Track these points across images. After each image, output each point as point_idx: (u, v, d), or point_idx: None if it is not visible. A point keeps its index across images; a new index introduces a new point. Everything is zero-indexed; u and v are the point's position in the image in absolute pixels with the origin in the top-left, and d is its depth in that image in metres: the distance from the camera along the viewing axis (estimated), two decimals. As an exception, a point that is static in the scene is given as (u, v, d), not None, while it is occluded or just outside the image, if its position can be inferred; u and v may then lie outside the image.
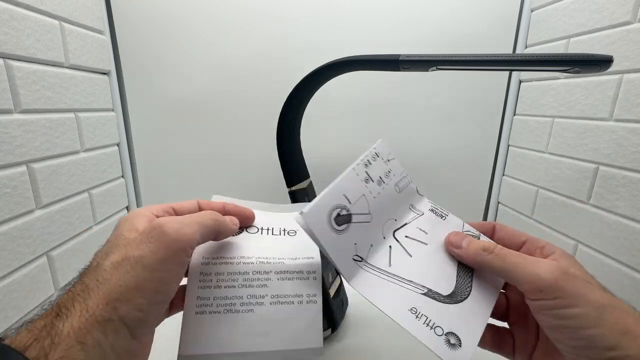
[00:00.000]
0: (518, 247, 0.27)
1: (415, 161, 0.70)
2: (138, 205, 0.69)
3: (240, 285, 0.26)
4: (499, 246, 0.25)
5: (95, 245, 0.56)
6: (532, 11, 0.62)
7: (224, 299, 0.26)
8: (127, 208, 0.66)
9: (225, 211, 0.29)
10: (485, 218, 0.74)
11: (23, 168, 0.42)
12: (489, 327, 0.28)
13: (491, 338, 0.29)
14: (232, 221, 0.28)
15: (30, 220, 0.43)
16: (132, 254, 0.21)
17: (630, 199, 0.44)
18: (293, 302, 0.27)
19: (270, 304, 0.26)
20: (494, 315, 0.27)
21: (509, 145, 0.68)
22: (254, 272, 0.27)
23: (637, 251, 0.43)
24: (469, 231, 0.31)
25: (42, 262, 0.45)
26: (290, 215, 0.33)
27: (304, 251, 0.29)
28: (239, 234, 0.30)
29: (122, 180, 0.64)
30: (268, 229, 0.31)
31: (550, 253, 0.25)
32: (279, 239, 0.30)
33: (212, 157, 0.67)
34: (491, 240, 0.28)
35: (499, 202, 0.71)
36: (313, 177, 0.49)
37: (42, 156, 0.44)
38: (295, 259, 0.28)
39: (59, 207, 0.47)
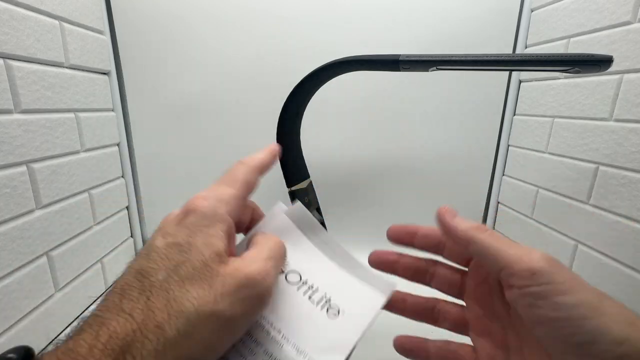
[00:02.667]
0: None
1: (415, 161, 0.70)
2: (138, 205, 0.68)
3: (253, 353, 0.20)
4: (491, 229, 0.23)
5: (96, 245, 0.56)
6: (532, 11, 0.62)
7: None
8: (127, 208, 0.66)
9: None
10: (485, 218, 0.74)
11: (23, 168, 0.42)
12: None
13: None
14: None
15: (30, 220, 0.43)
16: (224, 312, 0.17)
17: (630, 199, 0.44)
18: None
19: None
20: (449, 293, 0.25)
21: (509, 145, 0.68)
22: (265, 353, 0.20)
23: (637, 251, 0.43)
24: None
25: (42, 262, 0.45)
26: (357, 285, 0.24)
27: (321, 352, 0.21)
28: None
29: (122, 180, 0.64)
30: (311, 288, 0.23)
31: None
32: (311, 310, 0.22)
33: (212, 157, 0.67)
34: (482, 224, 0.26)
35: (499, 202, 0.71)
36: (313, 177, 0.49)
37: (42, 156, 0.44)
38: (300, 353, 0.20)
39: (59, 207, 0.47)
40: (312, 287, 0.23)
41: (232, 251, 0.20)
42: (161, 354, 0.15)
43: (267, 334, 0.20)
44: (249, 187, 0.23)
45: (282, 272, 0.23)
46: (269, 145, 0.25)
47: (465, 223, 0.23)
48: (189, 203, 0.20)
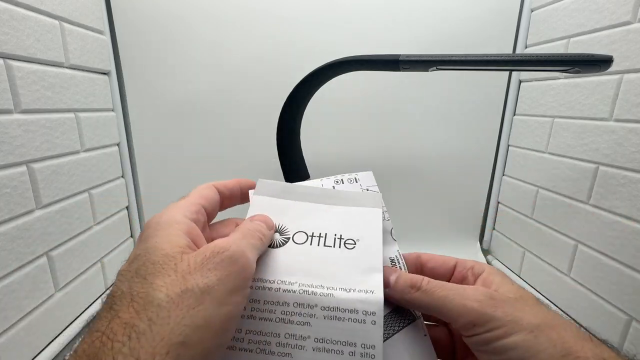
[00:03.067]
0: (450, 273, 0.26)
1: (415, 161, 0.70)
2: (138, 205, 0.68)
3: (278, 319, 0.21)
4: (427, 280, 0.23)
5: (95, 245, 0.56)
6: (532, 11, 0.62)
7: (257, 335, 0.21)
8: (127, 208, 0.66)
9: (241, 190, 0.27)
10: (485, 218, 0.74)
11: (23, 168, 0.42)
12: None
13: None
14: (268, 224, 0.24)
15: (30, 220, 0.43)
16: (196, 284, 0.17)
17: (630, 199, 0.44)
18: (342, 353, 0.20)
19: (313, 350, 0.20)
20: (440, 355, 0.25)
21: (509, 145, 0.68)
22: (296, 305, 0.21)
23: (637, 251, 0.43)
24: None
25: (42, 262, 0.45)
26: (352, 211, 0.26)
27: (362, 278, 0.23)
28: (284, 243, 0.24)
29: (122, 180, 0.64)
30: (320, 236, 0.24)
31: (479, 272, 0.24)
32: (332, 254, 0.24)
33: (212, 157, 0.67)
34: (418, 276, 0.24)
35: (499, 202, 0.71)
36: (313, 177, 0.49)
37: (42, 156, 0.44)
38: (350, 290, 0.22)
39: (59, 207, 0.48)
40: (320, 235, 0.25)
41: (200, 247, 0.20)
42: (144, 347, 0.15)
43: (314, 295, 0.21)
44: (203, 196, 0.25)
45: (287, 239, 0.24)
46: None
47: (401, 281, 0.23)
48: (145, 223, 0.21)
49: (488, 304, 0.20)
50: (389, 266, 0.25)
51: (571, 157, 0.53)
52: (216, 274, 0.18)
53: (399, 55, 0.36)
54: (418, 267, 0.27)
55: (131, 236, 0.68)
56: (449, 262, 0.26)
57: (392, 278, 0.24)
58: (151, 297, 0.16)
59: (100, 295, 0.57)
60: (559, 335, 0.19)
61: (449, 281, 0.25)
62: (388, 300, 0.23)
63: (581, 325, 0.21)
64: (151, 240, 0.20)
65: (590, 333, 0.20)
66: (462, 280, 0.25)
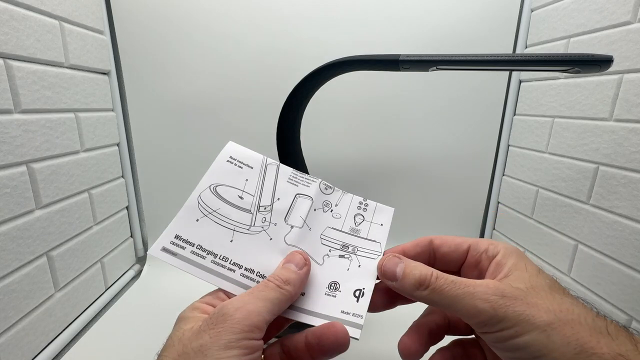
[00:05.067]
0: (463, 257, 0.25)
1: (415, 161, 0.70)
2: (138, 205, 0.69)
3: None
4: (435, 275, 0.22)
5: (95, 245, 0.56)
6: (532, 11, 0.62)
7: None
8: (127, 208, 0.66)
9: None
10: (485, 218, 0.74)
11: (23, 168, 0.42)
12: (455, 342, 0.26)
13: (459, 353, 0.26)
14: (298, 263, 0.25)
15: (30, 220, 0.43)
16: (191, 346, 0.19)
17: (630, 199, 0.44)
18: None
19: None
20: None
21: (509, 145, 0.68)
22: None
23: (637, 251, 0.43)
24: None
25: (42, 262, 0.45)
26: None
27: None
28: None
29: (122, 180, 0.64)
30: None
31: (494, 254, 0.24)
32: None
33: (212, 157, 0.67)
34: (426, 270, 0.23)
35: (499, 202, 0.71)
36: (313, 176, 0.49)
37: (42, 156, 0.44)
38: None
39: (59, 207, 0.47)
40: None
41: None
42: None
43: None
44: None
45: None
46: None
47: (409, 278, 0.23)
48: None
49: (499, 304, 0.20)
50: (393, 255, 0.25)
51: (571, 157, 0.53)
52: (209, 333, 0.19)
53: (398, 55, 0.36)
54: (431, 253, 0.26)
55: (131, 236, 0.68)
56: (462, 245, 0.25)
57: (398, 271, 0.23)
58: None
59: (100, 295, 0.57)
60: (573, 331, 0.18)
61: (462, 265, 0.25)
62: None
63: (598, 312, 0.21)
64: (173, 329, 0.22)
65: (606, 317, 0.20)
66: (477, 265, 0.25)
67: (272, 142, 0.45)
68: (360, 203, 0.30)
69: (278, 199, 0.28)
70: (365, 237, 0.28)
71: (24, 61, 0.42)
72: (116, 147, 0.62)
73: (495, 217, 0.73)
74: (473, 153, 0.70)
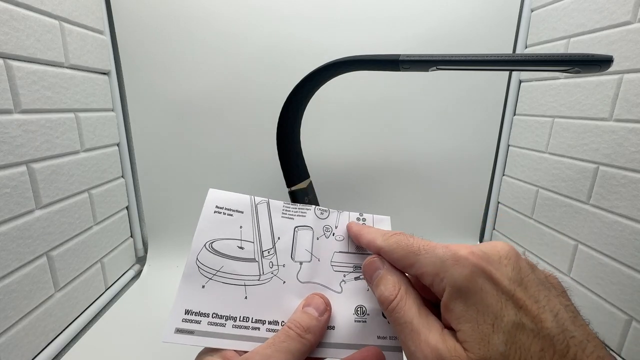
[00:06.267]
0: (421, 285, 0.22)
1: (415, 161, 0.70)
2: (138, 205, 0.69)
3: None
4: (396, 303, 0.20)
5: (95, 245, 0.56)
6: (532, 11, 0.62)
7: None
8: (127, 208, 0.66)
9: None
10: (485, 218, 0.74)
11: (23, 168, 0.42)
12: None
13: None
14: (319, 308, 0.23)
15: (30, 220, 0.43)
16: None
17: (630, 199, 0.44)
18: None
19: None
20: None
21: (509, 145, 0.68)
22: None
23: (637, 251, 0.43)
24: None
25: (42, 262, 0.45)
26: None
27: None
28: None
29: (122, 180, 0.64)
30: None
31: (441, 291, 0.19)
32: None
33: (212, 157, 0.67)
34: (392, 286, 0.21)
35: (499, 202, 0.71)
36: (313, 177, 0.49)
37: (42, 156, 0.44)
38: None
39: (59, 207, 0.47)
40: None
41: None
42: None
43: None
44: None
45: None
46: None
47: (376, 292, 0.21)
48: None
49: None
50: (379, 259, 0.23)
51: (571, 157, 0.53)
52: None
53: (399, 55, 0.36)
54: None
55: (131, 236, 0.68)
56: (410, 271, 0.21)
57: (374, 276, 0.22)
58: None
59: (100, 295, 0.57)
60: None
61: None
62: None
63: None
64: None
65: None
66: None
67: (272, 142, 0.45)
68: (358, 219, 0.28)
69: (278, 238, 0.26)
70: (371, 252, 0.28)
71: (24, 61, 0.42)
72: (116, 147, 0.62)
73: (495, 217, 0.73)
74: (473, 153, 0.70)
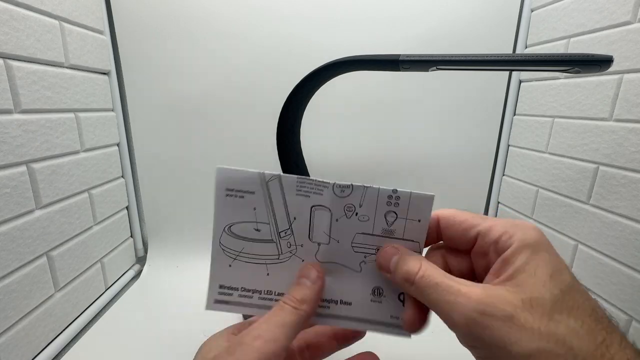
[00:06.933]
0: (470, 245, 0.23)
1: (415, 161, 0.70)
2: (138, 205, 0.69)
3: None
4: (421, 273, 0.21)
5: (95, 245, 0.56)
6: (532, 11, 0.62)
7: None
8: (127, 208, 0.66)
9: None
10: (485, 218, 0.74)
11: (23, 168, 0.42)
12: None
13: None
14: (311, 277, 0.24)
15: (30, 220, 0.43)
16: None
17: (630, 199, 0.44)
18: None
19: None
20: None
21: (509, 145, 0.68)
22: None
23: (637, 251, 0.43)
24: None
25: (42, 262, 0.45)
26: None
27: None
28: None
29: (122, 180, 0.64)
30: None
31: (504, 248, 0.20)
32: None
33: (212, 157, 0.67)
34: (414, 264, 0.22)
35: (499, 202, 0.71)
36: (313, 176, 0.49)
37: (42, 156, 0.44)
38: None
39: (59, 207, 0.47)
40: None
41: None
42: None
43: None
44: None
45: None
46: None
47: (399, 272, 0.22)
48: None
49: (475, 323, 0.17)
50: (391, 247, 0.24)
51: (571, 157, 0.53)
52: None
53: (398, 55, 0.36)
54: (439, 233, 0.25)
55: (131, 236, 0.68)
56: (470, 232, 0.22)
57: (392, 263, 0.23)
58: None
59: (100, 295, 0.57)
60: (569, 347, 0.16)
61: (472, 249, 0.23)
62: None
63: (623, 337, 0.18)
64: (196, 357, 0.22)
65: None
66: (485, 256, 0.22)
67: (272, 142, 0.45)
68: (390, 197, 0.24)
69: (294, 218, 0.25)
70: (401, 237, 0.25)
71: (24, 61, 0.42)
72: (116, 147, 0.62)
73: (495, 217, 0.73)
74: (473, 153, 0.70)
